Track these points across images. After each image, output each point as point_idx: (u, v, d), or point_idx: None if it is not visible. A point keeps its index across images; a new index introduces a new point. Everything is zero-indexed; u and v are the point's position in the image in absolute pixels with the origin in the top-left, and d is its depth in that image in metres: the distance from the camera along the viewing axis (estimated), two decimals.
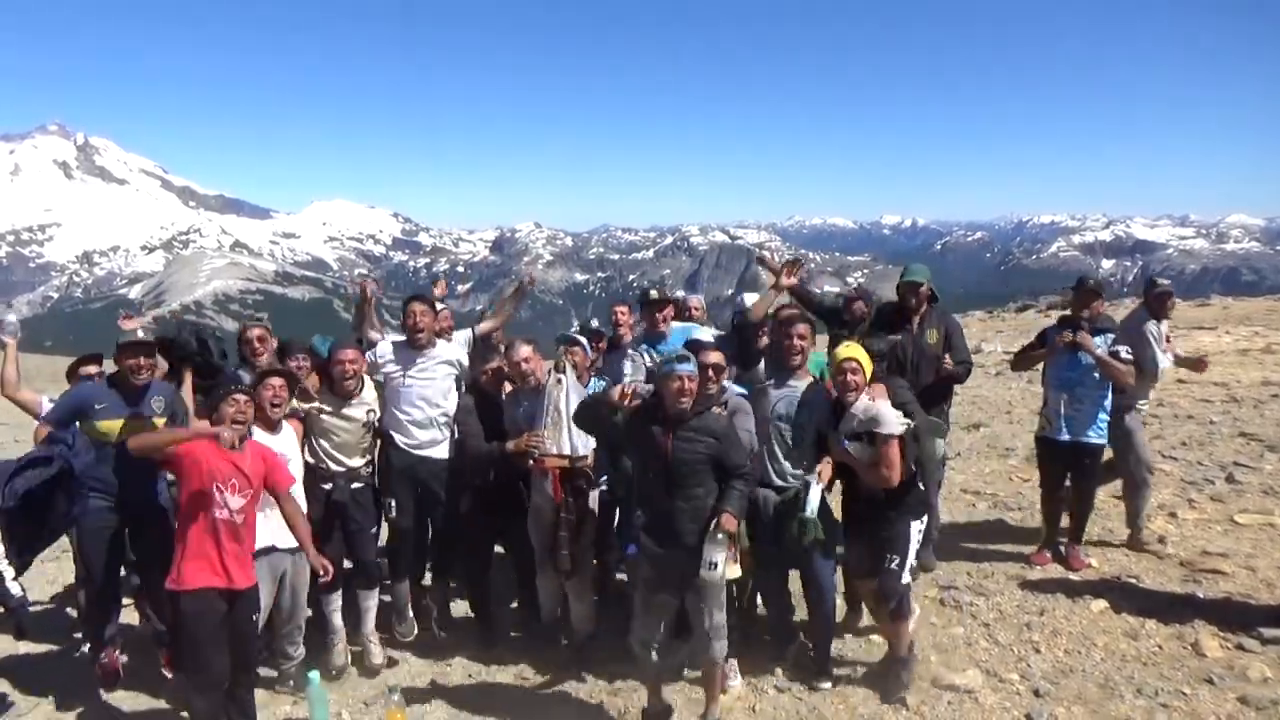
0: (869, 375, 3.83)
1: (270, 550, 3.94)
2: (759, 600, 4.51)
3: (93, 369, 4.75)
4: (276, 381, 4.07)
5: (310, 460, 4.37)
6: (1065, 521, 5.21)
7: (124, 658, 4.35)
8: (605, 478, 4.49)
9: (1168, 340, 5.25)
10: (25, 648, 4.82)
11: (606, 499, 4.46)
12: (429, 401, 4.50)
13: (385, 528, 4.74)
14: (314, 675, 3.89)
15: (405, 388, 4.47)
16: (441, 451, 4.58)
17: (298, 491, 4.23)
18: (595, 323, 5.76)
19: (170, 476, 3.94)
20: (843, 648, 4.32)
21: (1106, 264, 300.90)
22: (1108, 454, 5.27)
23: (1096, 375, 4.83)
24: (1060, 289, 26.96)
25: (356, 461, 4.44)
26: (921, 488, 3.87)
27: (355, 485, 4.43)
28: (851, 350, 3.87)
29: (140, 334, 4.12)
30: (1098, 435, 4.94)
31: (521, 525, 4.47)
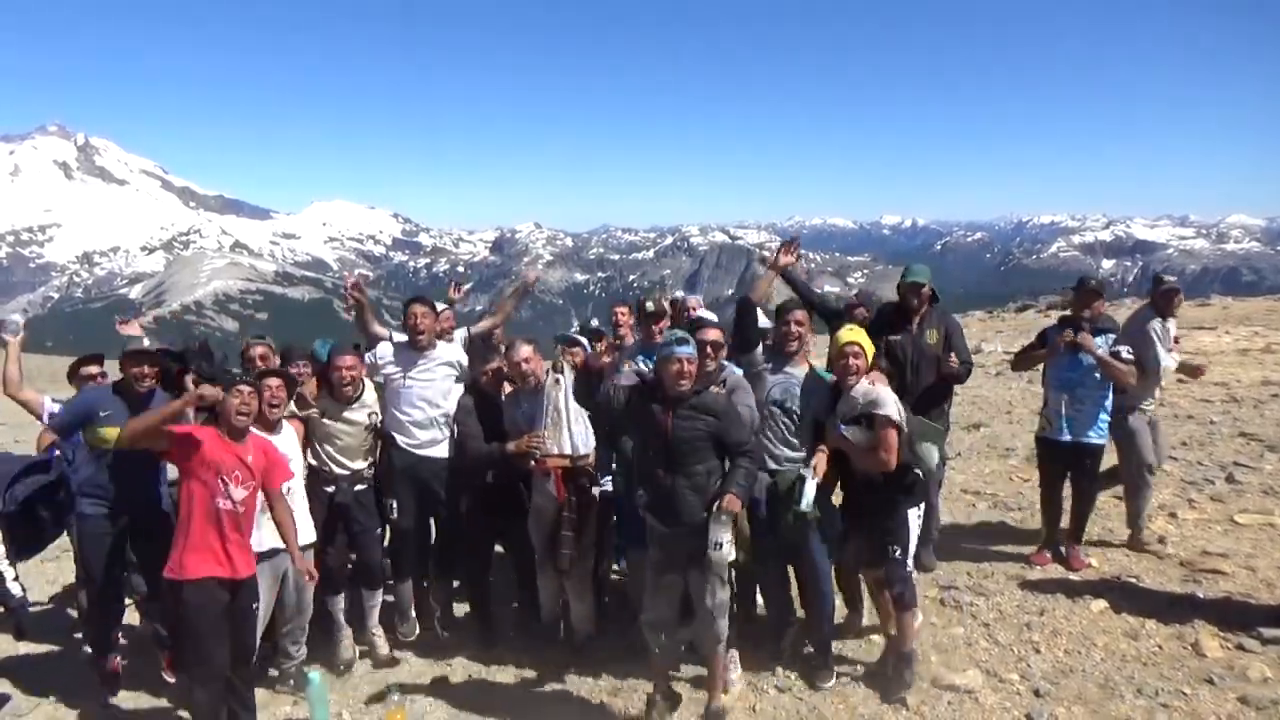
0: (870, 360, 3.87)
1: (274, 553, 3.95)
2: (759, 600, 4.51)
3: (94, 369, 4.75)
4: (274, 382, 4.08)
5: (314, 463, 4.39)
6: (1065, 522, 5.21)
7: (124, 661, 4.35)
8: (609, 477, 4.49)
9: (1175, 341, 5.20)
10: (25, 648, 4.82)
11: (609, 496, 4.46)
12: (430, 402, 4.51)
13: (388, 528, 4.74)
14: (314, 675, 3.89)
15: (406, 389, 4.48)
16: (442, 451, 4.59)
17: (299, 491, 4.25)
18: (595, 323, 5.76)
19: (172, 475, 3.95)
20: (842, 648, 4.32)
21: (1106, 264, 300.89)
22: (1112, 460, 5.27)
23: (1097, 376, 4.82)
24: (1060, 289, 26.97)
25: (360, 464, 4.46)
26: (917, 475, 3.87)
27: (359, 488, 4.46)
28: (855, 334, 3.90)
29: (145, 341, 4.17)
30: (1098, 436, 4.94)
31: (521, 525, 4.47)
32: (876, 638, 4.35)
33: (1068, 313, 5.17)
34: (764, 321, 4.43)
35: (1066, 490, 5.18)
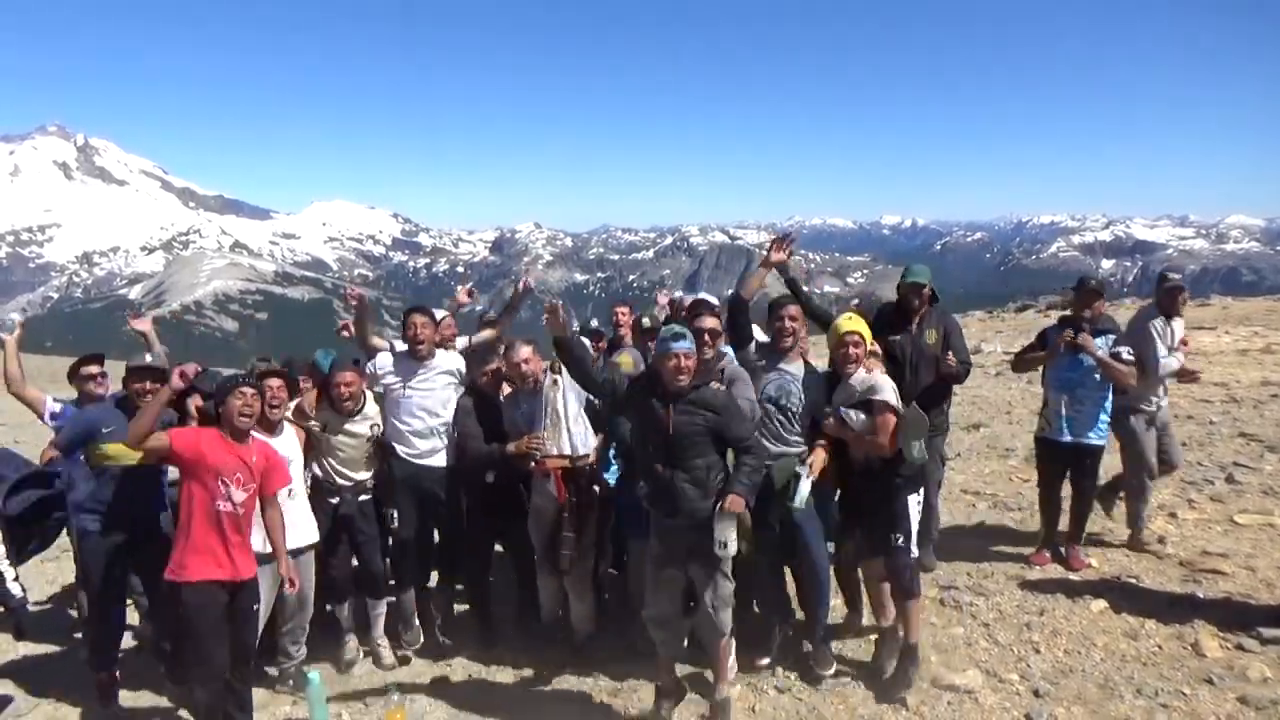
0: (869, 349, 3.92)
1: (274, 556, 3.95)
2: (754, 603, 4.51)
3: (94, 369, 4.76)
4: (275, 383, 4.09)
5: (318, 474, 4.41)
6: (1065, 522, 5.21)
7: (120, 672, 4.33)
8: (612, 470, 4.48)
9: (1184, 344, 5.14)
10: (25, 648, 4.82)
11: (611, 495, 4.45)
12: (430, 411, 4.50)
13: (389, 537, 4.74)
14: (314, 675, 3.89)
15: (406, 398, 4.47)
16: (442, 460, 4.58)
17: (301, 491, 4.26)
18: (595, 323, 5.77)
19: (172, 475, 3.95)
20: (842, 647, 4.32)
21: (1106, 264, 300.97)
22: (1117, 467, 5.25)
23: (1097, 376, 4.82)
24: (1060, 289, 26.98)
25: (362, 474, 4.48)
26: (914, 462, 3.88)
27: (362, 498, 4.48)
28: (854, 324, 3.93)
29: (149, 358, 4.23)
30: (1098, 436, 4.94)
31: (521, 525, 4.47)
32: (876, 638, 4.35)
33: (1068, 313, 5.17)
34: (760, 335, 4.43)
35: (1066, 490, 5.18)
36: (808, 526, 3.94)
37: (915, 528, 3.88)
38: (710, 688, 3.83)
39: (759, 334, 4.30)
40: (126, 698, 4.29)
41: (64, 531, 4.29)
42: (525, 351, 4.26)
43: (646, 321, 5.05)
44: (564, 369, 4.21)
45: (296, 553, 4.20)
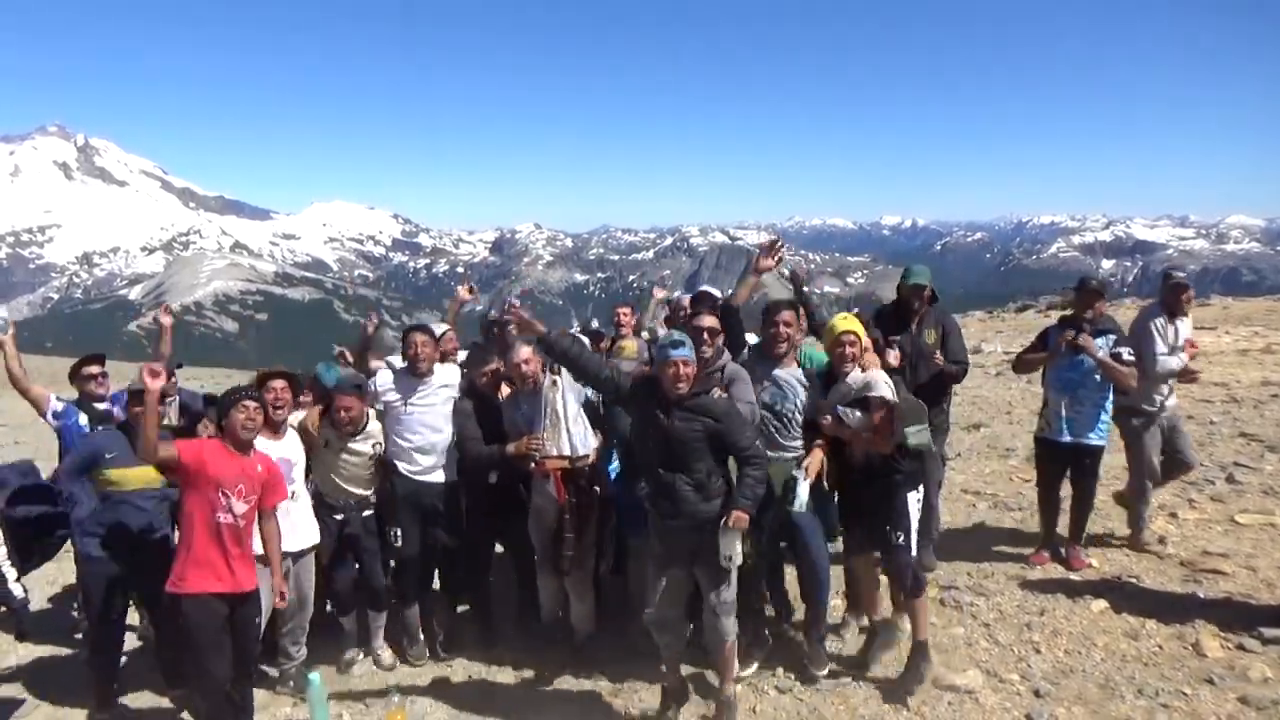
0: (864, 349, 3.93)
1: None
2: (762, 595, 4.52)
3: (95, 369, 4.77)
4: (278, 384, 4.09)
5: (321, 490, 4.43)
6: (1065, 522, 5.21)
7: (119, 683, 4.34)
8: (612, 465, 4.48)
9: (1192, 345, 5.08)
10: (25, 648, 4.82)
11: (612, 493, 4.45)
12: (431, 427, 4.48)
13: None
14: (314, 676, 3.89)
15: (407, 415, 4.45)
16: (444, 475, 4.56)
17: (303, 494, 4.26)
18: (595, 323, 5.77)
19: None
20: (843, 648, 4.32)
21: (1106, 264, 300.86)
22: (1117, 467, 5.23)
23: (1098, 377, 4.81)
24: (1060, 289, 26.96)
25: (365, 491, 4.48)
26: (917, 454, 3.89)
27: (365, 514, 4.49)
28: (850, 323, 3.95)
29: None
30: (1098, 437, 4.93)
31: (521, 525, 4.47)
32: (904, 628, 4.34)
33: (1069, 313, 5.16)
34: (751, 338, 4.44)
35: (1065, 490, 5.18)
36: (807, 526, 3.95)
37: (915, 526, 3.89)
38: (711, 687, 3.84)
39: (750, 338, 4.31)
40: (127, 698, 4.29)
41: (67, 543, 4.29)
42: (525, 352, 4.26)
43: (645, 335, 5.09)
44: (563, 369, 4.21)
45: (298, 555, 4.21)
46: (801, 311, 4.30)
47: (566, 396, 4.22)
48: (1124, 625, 4.29)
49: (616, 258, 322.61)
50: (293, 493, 4.14)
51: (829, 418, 3.85)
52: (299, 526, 4.20)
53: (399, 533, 4.48)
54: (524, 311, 3.72)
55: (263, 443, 3.88)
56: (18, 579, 3.81)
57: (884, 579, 4.25)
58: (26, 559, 3.97)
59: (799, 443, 4.00)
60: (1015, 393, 10.28)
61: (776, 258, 4.24)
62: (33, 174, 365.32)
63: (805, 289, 4.88)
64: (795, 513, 3.78)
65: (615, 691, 4.13)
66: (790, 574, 4.49)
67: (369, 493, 4.50)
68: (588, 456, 4.27)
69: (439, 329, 4.88)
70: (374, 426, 4.45)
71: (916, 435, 3.74)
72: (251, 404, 3.60)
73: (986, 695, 3.79)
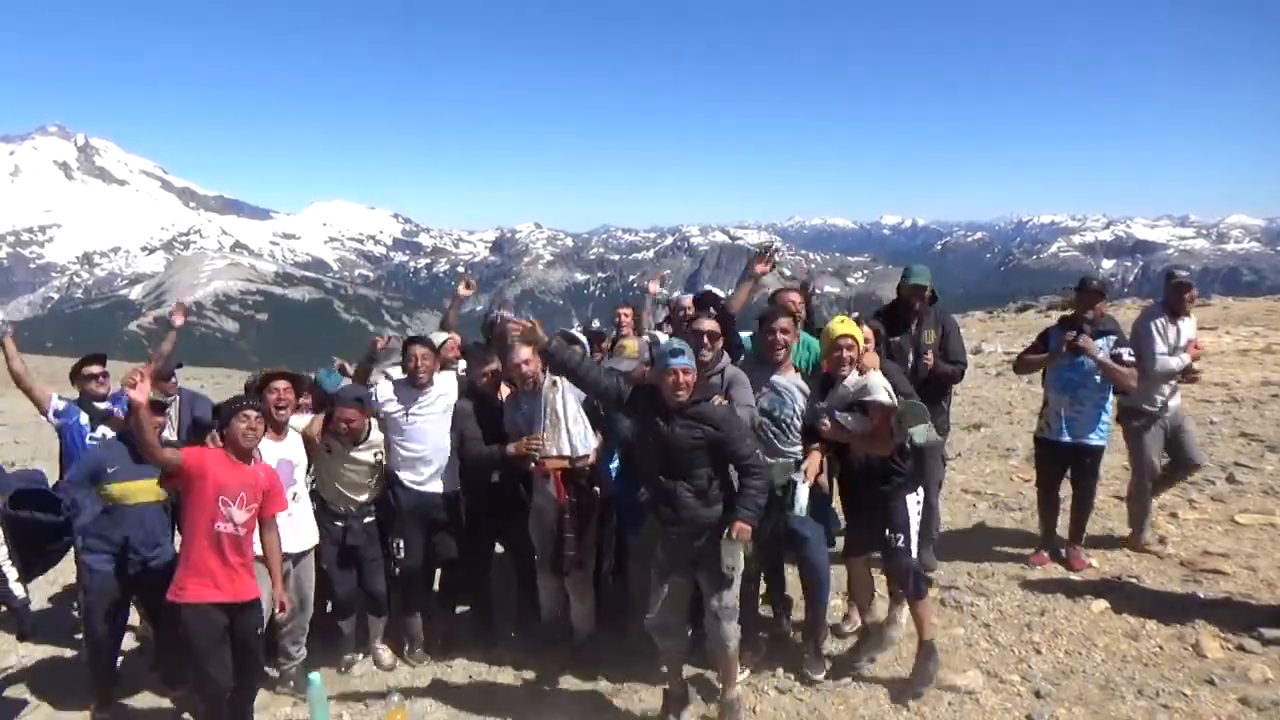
0: (866, 348, 3.94)
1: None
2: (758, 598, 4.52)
3: (96, 369, 4.78)
4: (281, 384, 4.10)
5: (323, 496, 4.43)
6: (1065, 522, 5.21)
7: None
8: (613, 465, 4.48)
9: (1196, 346, 5.04)
10: (26, 648, 4.82)
11: (613, 492, 4.45)
12: (432, 436, 4.47)
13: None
14: (315, 676, 3.89)
15: (409, 425, 4.44)
16: (444, 485, 4.56)
17: (304, 496, 4.27)
18: (597, 323, 5.77)
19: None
20: (843, 648, 4.32)
21: (1107, 264, 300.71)
22: (1117, 467, 5.23)
23: (1098, 378, 4.80)
24: (1060, 289, 26.93)
25: (366, 497, 4.48)
26: (924, 444, 3.89)
27: (366, 520, 4.49)
28: (847, 327, 3.94)
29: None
30: (1099, 437, 4.93)
31: (521, 525, 4.48)
32: (894, 631, 4.34)
33: (1069, 313, 5.15)
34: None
35: (1065, 490, 5.18)
36: (807, 530, 3.94)
37: (915, 529, 3.89)
38: (712, 688, 3.84)
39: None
40: (126, 698, 4.29)
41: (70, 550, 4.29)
42: (525, 353, 4.25)
43: (647, 339, 5.09)
44: None
45: (299, 556, 4.22)
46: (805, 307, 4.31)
47: (566, 397, 4.22)
48: (1124, 626, 4.29)
49: (617, 257, 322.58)
50: (294, 494, 4.14)
51: (827, 423, 3.85)
52: (300, 528, 4.20)
53: (402, 544, 4.48)
54: (525, 320, 3.70)
55: (266, 443, 3.88)
56: (18, 579, 3.81)
57: (881, 581, 4.25)
58: (31, 566, 3.96)
59: (798, 448, 3.99)
60: (1015, 393, 10.27)
61: (770, 264, 4.31)
62: (33, 174, 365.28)
63: (813, 299, 4.92)
64: (795, 516, 3.78)
65: (615, 691, 4.13)
66: (789, 573, 4.49)
67: (369, 499, 4.50)
68: (588, 456, 4.27)
69: (438, 338, 4.89)
70: (376, 436, 4.45)
71: (922, 434, 3.74)
72: (253, 413, 3.60)
73: (987, 696, 3.79)
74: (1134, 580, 4.82)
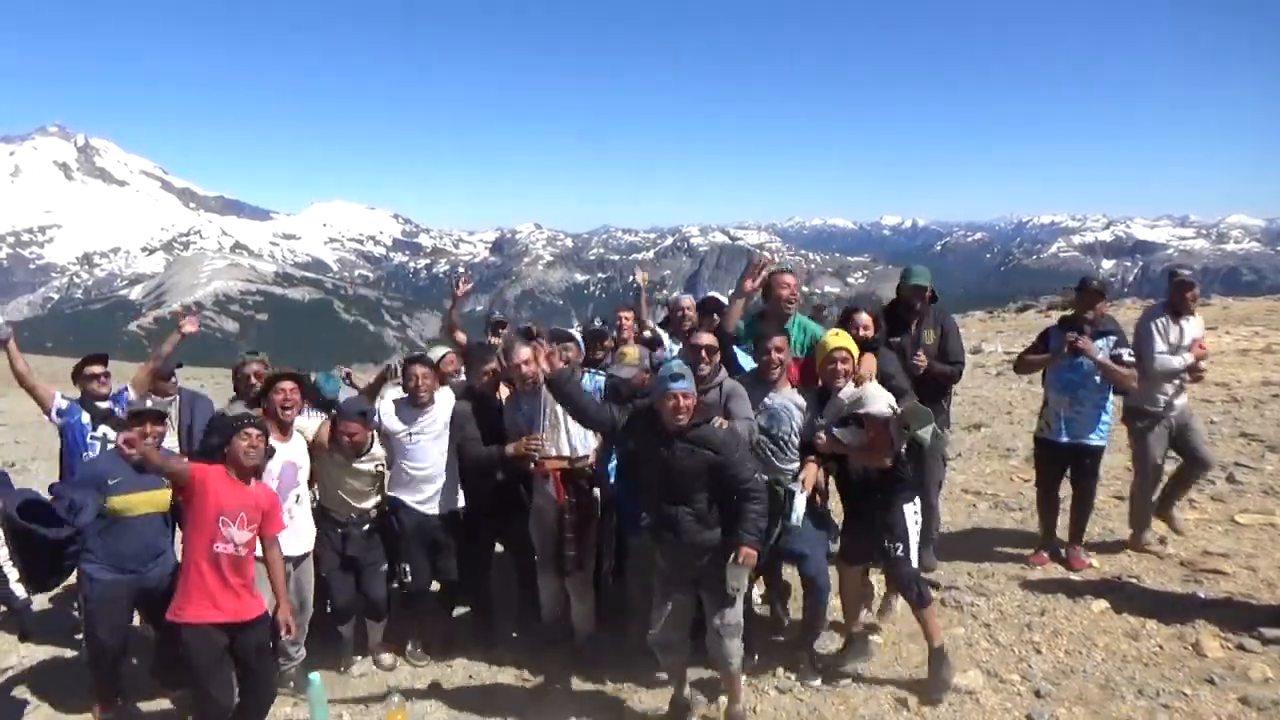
0: (857, 364, 3.93)
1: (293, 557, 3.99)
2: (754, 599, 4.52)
3: (97, 369, 4.79)
4: (287, 385, 4.09)
5: (324, 504, 4.44)
6: (1065, 522, 5.21)
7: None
8: (612, 464, 4.48)
9: (1200, 347, 5.03)
10: (27, 648, 4.82)
11: (613, 492, 4.45)
12: (435, 454, 4.48)
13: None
14: (314, 676, 3.89)
15: (412, 444, 4.44)
16: (449, 504, 4.56)
17: (306, 498, 4.28)
18: (598, 323, 5.76)
19: None
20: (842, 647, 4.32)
21: (1107, 264, 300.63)
22: (1118, 467, 5.22)
23: (1098, 378, 4.81)
24: (1061, 289, 26.93)
25: (367, 504, 4.48)
26: (932, 445, 3.87)
27: (365, 527, 4.49)
28: (842, 340, 3.94)
29: (149, 402, 4.32)
30: (1098, 438, 4.93)
31: (521, 525, 4.48)
32: (876, 638, 4.35)
33: (1069, 313, 5.15)
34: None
35: (1065, 490, 5.18)
36: (804, 539, 3.92)
37: (915, 539, 3.87)
38: (715, 689, 3.84)
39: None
40: (127, 698, 4.29)
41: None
42: (525, 353, 4.24)
43: (647, 334, 5.10)
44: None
45: (299, 559, 4.23)
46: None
47: None
48: (1124, 625, 4.30)
49: (617, 258, 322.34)
50: (296, 495, 4.14)
51: (824, 437, 3.84)
52: (302, 531, 4.21)
53: (407, 569, 4.48)
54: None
55: (270, 443, 3.87)
56: (19, 579, 3.80)
57: (877, 588, 4.23)
58: (45, 578, 3.93)
59: (795, 465, 3.98)
60: (1015, 393, 10.28)
61: (760, 281, 4.35)
62: (33, 174, 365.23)
63: (806, 288, 4.91)
64: (793, 532, 3.78)
65: (616, 692, 4.13)
66: (789, 571, 4.49)
67: (370, 506, 4.49)
68: (587, 457, 4.27)
69: (437, 353, 4.88)
70: (377, 449, 4.45)
71: (929, 436, 3.73)
72: (254, 431, 3.58)
73: (987, 695, 3.79)
74: (1134, 580, 4.83)
